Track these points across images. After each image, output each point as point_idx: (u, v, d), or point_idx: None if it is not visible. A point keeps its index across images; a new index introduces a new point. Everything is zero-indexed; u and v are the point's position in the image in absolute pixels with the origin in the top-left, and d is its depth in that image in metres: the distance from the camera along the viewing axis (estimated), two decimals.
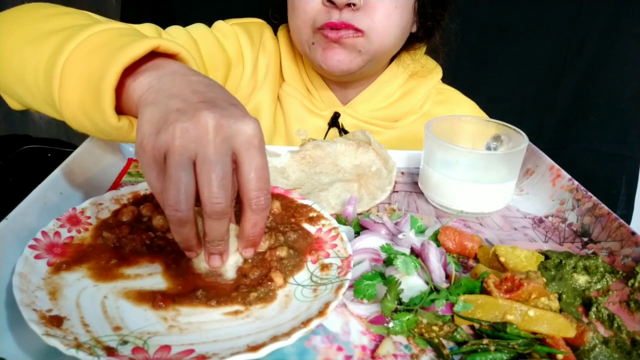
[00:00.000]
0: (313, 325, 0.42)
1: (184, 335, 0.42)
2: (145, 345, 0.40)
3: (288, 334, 0.41)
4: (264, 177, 0.43)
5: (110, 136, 0.53)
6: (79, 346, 0.38)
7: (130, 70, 0.48)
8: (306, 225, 0.58)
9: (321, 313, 0.44)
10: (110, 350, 0.39)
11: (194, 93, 0.44)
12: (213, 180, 0.41)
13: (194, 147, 0.41)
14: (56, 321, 0.41)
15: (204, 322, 0.44)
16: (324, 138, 0.93)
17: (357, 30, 0.77)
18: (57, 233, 0.52)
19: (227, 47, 0.88)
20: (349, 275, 0.48)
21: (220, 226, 0.44)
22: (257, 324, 0.44)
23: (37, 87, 0.54)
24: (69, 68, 0.50)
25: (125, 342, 0.40)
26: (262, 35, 0.94)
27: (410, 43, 0.92)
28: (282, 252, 0.52)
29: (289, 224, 0.57)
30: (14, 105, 0.64)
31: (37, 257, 0.48)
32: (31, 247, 0.49)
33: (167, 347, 0.40)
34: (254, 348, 0.39)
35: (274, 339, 0.40)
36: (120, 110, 0.50)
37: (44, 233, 0.51)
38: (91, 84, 0.48)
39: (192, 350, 0.40)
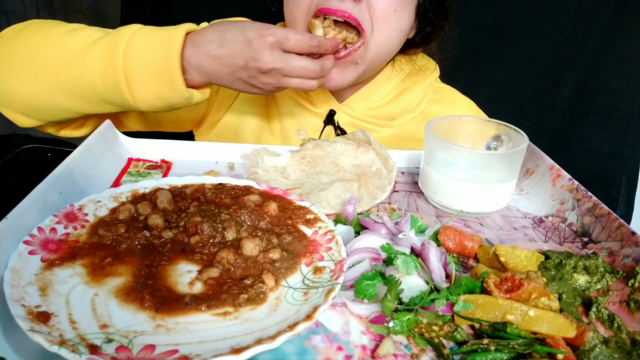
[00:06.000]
0: (300, 329, 0.42)
1: (171, 335, 0.42)
2: (131, 344, 0.40)
3: (273, 337, 0.40)
4: None
5: (179, 105, 0.73)
6: (62, 343, 0.38)
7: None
8: (303, 228, 0.57)
9: (309, 317, 0.43)
10: (93, 348, 0.38)
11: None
12: None
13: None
14: (43, 317, 0.41)
15: (192, 323, 0.44)
16: (320, 136, 0.93)
17: (358, 25, 0.76)
18: (53, 229, 0.52)
19: None
20: (341, 279, 0.48)
21: None
22: (245, 326, 0.44)
23: (94, 93, 0.71)
24: (131, 74, 0.68)
25: (110, 340, 0.40)
26: None
27: (407, 48, 0.92)
28: (275, 255, 0.52)
29: (285, 225, 0.57)
30: (25, 122, 0.76)
31: (31, 252, 0.48)
32: (26, 242, 0.48)
33: (151, 347, 0.40)
34: (237, 350, 0.39)
35: (259, 342, 0.40)
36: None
37: (39, 229, 0.51)
38: (161, 78, 0.68)
39: (176, 351, 0.40)
